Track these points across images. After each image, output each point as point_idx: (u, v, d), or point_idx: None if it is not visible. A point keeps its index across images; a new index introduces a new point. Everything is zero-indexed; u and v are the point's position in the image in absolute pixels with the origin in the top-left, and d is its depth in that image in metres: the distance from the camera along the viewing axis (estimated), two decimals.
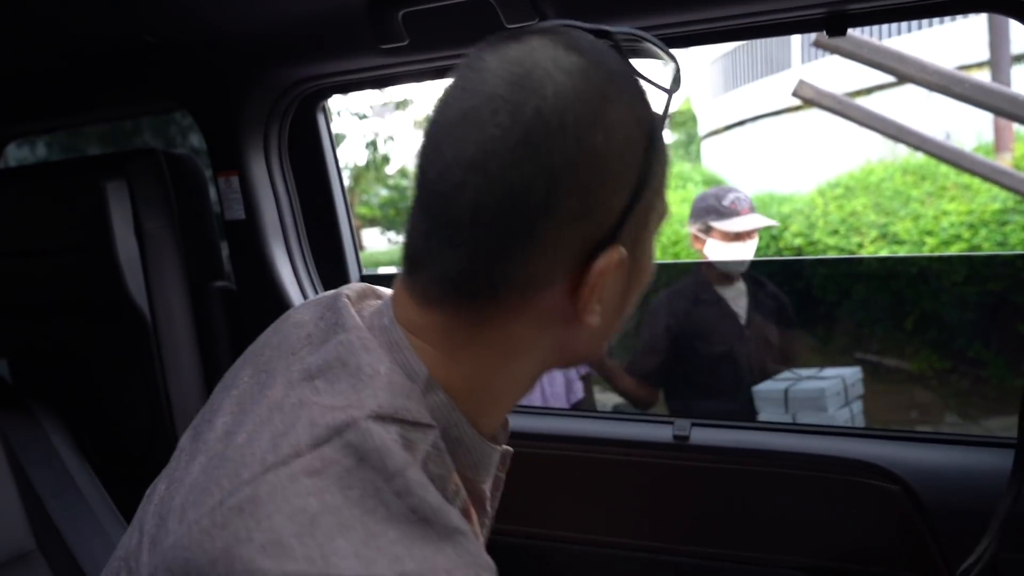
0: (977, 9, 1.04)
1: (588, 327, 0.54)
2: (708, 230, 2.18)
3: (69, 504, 1.25)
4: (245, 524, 0.44)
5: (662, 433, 1.32)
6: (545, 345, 0.55)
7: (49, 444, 1.31)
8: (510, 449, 0.65)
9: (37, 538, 1.18)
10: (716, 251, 2.18)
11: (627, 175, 0.51)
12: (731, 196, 2.21)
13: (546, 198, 0.48)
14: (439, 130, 0.51)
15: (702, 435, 1.30)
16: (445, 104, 0.52)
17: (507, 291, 0.51)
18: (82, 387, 1.48)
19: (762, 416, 2.36)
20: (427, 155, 0.52)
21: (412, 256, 0.54)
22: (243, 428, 0.52)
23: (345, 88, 1.40)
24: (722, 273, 2.21)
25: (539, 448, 1.40)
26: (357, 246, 1.58)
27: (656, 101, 0.54)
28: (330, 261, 1.55)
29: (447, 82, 0.53)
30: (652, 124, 0.53)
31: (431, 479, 0.48)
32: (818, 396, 2.39)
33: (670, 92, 0.54)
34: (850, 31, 1.03)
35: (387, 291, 0.66)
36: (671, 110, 0.53)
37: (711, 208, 2.18)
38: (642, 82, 0.54)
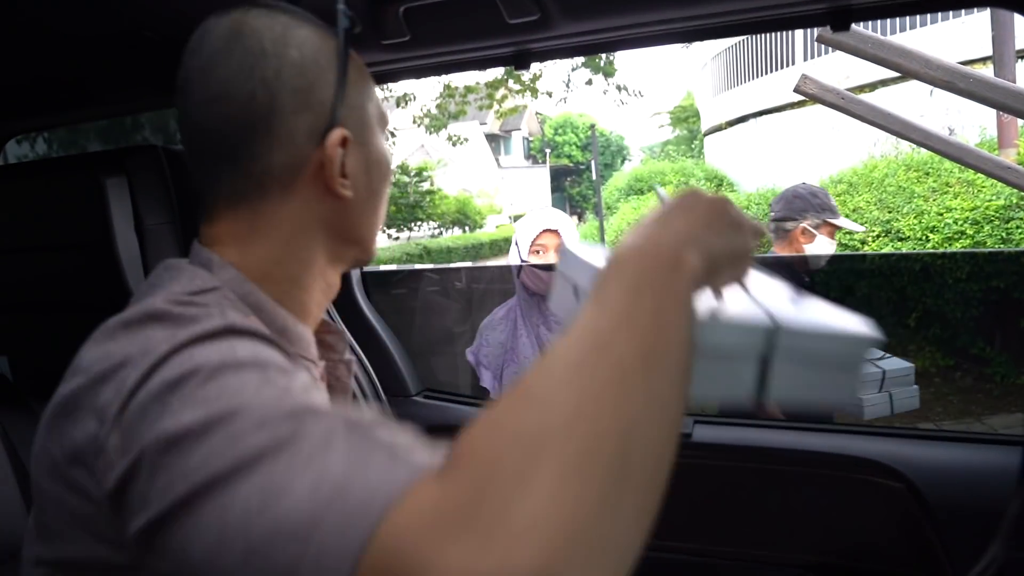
0: (981, 4, 1.03)
1: (345, 201, 0.69)
2: (819, 225, 2.31)
3: None
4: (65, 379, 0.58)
5: None
6: (315, 223, 0.69)
7: None
8: (353, 359, 0.82)
9: None
10: (817, 246, 2.32)
11: (326, 76, 0.68)
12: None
13: (270, 101, 0.65)
14: (181, 87, 0.68)
15: (705, 432, 1.30)
16: (183, 67, 0.68)
17: (269, 183, 0.67)
18: None
19: (864, 396, 2.41)
20: (179, 108, 0.68)
21: (198, 190, 0.70)
22: None
23: None
24: (814, 267, 2.35)
25: None
26: None
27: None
28: None
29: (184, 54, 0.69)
30: (333, 39, 0.70)
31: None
32: (908, 373, 2.49)
33: (344, 11, 0.70)
34: (854, 26, 1.03)
35: None
36: (347, 34, 0.70)
37: (826, 206, 2.32)
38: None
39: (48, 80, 1.40)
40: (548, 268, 1.94)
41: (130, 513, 0.49)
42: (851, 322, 0.64)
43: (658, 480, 0.42)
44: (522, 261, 1.96)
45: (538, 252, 1.96)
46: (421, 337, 3.00)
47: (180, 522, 0.45)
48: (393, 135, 10.55)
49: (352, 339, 1.32)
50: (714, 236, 0.55)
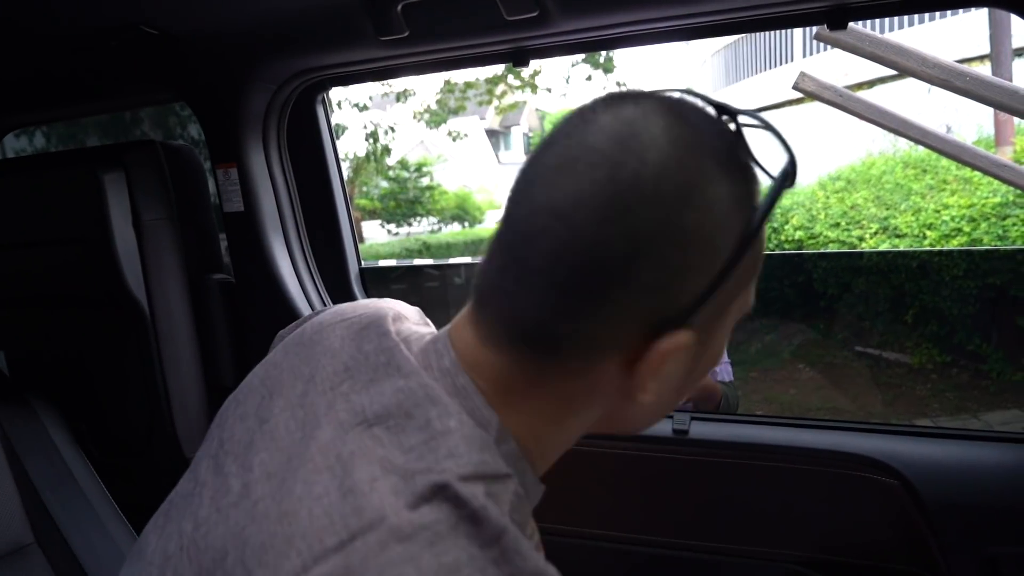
0: (978, 4, 1.04)
1: (640, 405, 0.53)
2: None
3: (67, 497, 1.24)
4: None
5: (661, 427, 1.32)
6: (595, 410, 0.55)
7: (47, 437, 1.31)
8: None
9: (35, 531, 1.18)
10: None
11: (713, 260, 0.49)
12: None
13: (625, 264, 0.47)
14: (536, 171, 0.50)
15: (701, 429, 1.30)
16: (548, 147, 0.51)
17: (568, 349, 0.50)
18: (80, 380, 1.47)
19: None
20: (519, 193, 0.51)
21: (482, 290, 0.53)
22: (295, 476, 0.50)
23: (345, 80, 1.39)
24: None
25: None
26: (356, 239, 1.58)
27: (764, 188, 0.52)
28: (329, 254, 1.54)
29: (559, 124, 0.52)
30: (753, 212, 0.50)
31: (513, 525, 0.48)
32: None
33: (780, 183, 0.50)
34: (851, 24, 1.03)
35: (412, 311, 0.66)
36: (777, 202, 0.50)
37: None
38: (754, 167, 0.52)
39: (46, 74, 1.40)
40: None
41: None
42: None
43: None
44: None
45: None
46: None
47: None
48: (393, 130, 10.53)
49: None
50: None
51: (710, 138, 0.49)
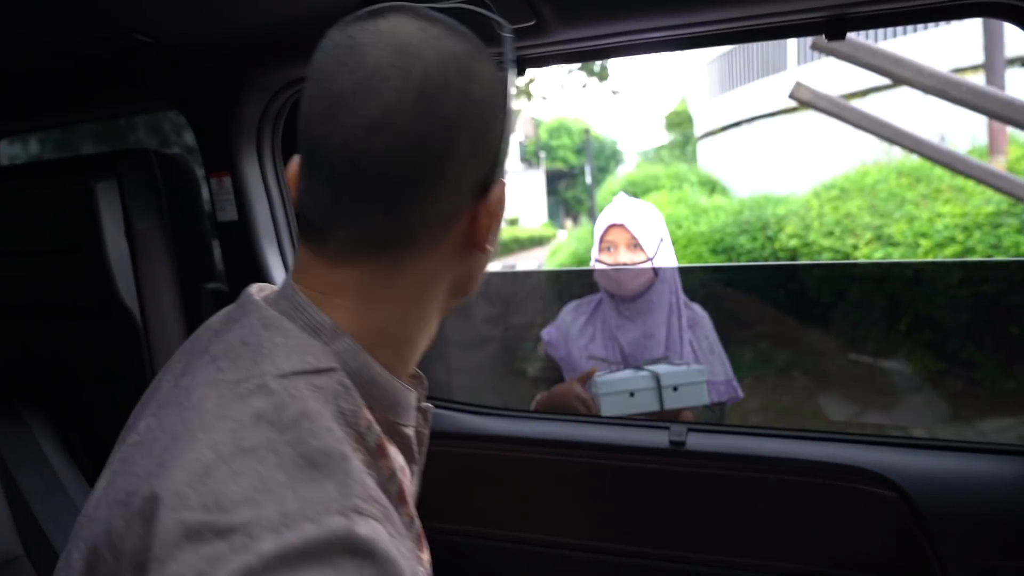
0: (972, 14, 1.04)
1: (484, 255, 0.64)
2: None
3: (57, 508, 1.23)
4: (151, 486, 0.50)
5: (658, 438, 1.31)
6: (448, 279, 0.63)
7: (37, 447, 1.30)
8: (431, 406, 0.73)
9: (24, 543, 1.17)
10: None
11: (498, 115, 0.60)
12: None
13: (446, 144, 0.56)
14: (329, 103, 0.55)
15: (698, 440, 1.29)
16: (329, 79, 0.56)
17: (422, 232, 0.58)
18: (71, 389, 1.46)
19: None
20: (321, 126, 0.56)
21: (317, 224, 0.58)
22: (158, 423, 0.57)
23: None
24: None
25: (536, 453, 1.39)
26: None
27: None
28: None
29: (321, 60, 0.58)
30: (505, 73, 0.63)
31: (342, 414, 0.55)
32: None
33: (510, 36, 0.65)
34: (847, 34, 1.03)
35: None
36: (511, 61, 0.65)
37: None
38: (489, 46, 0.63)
39: (40, 82, 1.39)
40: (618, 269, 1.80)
41: None
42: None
43: None
44: (595, 260, 1.81)
45: (608, 249, 1.78)
46: None
47: None
48: None
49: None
50: None
51: (454, 25, 0.60)
